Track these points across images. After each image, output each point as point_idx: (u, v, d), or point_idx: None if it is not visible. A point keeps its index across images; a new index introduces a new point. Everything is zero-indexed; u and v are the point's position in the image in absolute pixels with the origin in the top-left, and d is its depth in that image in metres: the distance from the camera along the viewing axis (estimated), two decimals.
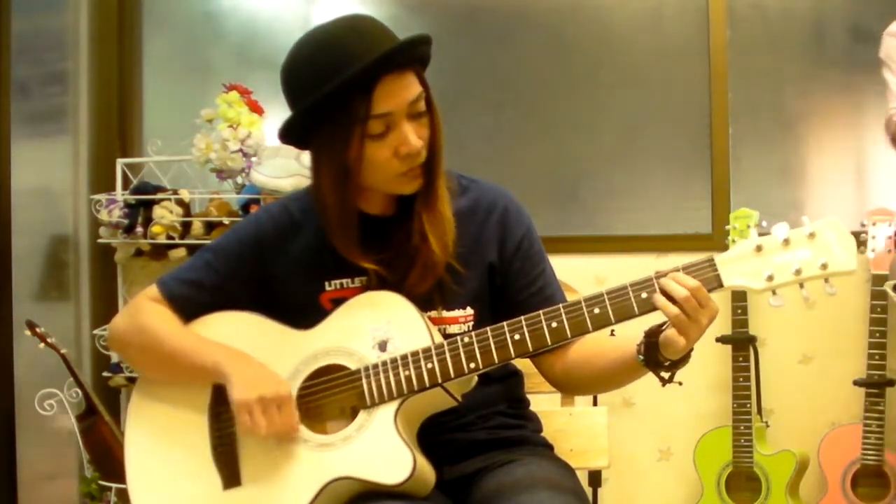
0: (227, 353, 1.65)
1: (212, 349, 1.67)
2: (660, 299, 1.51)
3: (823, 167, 3.48)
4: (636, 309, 1.54)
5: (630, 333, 1.61)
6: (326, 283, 1.71)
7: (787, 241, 1.50)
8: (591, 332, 1.56)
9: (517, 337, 1.57)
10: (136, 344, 1.73)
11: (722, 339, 3.15)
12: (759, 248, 1.51)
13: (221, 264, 1.75)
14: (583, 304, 1.56)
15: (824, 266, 1.48)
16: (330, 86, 1.55)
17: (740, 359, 3.14)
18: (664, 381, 1.58)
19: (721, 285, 1.52)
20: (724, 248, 3.02)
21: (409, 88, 1.60)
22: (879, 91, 3.42)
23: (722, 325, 3.17)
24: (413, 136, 1.60)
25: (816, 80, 3.46)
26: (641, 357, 1.57)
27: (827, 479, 3.11)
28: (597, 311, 1.55)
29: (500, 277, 1.73)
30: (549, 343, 1.57)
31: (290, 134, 1.65)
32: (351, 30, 1.60)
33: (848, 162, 3.48)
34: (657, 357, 1.56)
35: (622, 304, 1.54)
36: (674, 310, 1.50)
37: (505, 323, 1.59)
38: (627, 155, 3.53)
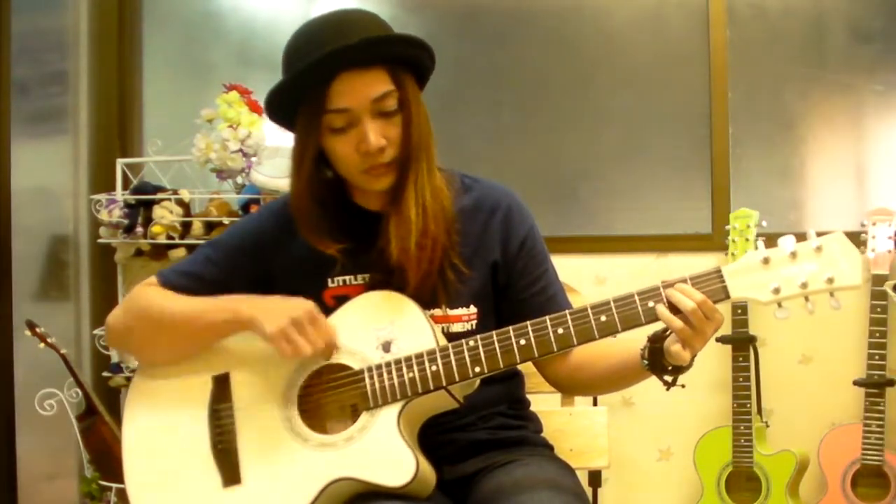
0: (241, 299, 1.65)
1: (224, 302, 1.66)
2: (664, 313, 1.51)
3: (823, 167, 3.48)
4: (643, 317, 1.54)
5: (633, 336, 1.62)
6: (329, 280, 1.71)
7: (794, 254, 1.51)
8: (597, 339, 1.56)
9: (523, 342, 1.57)
10: (144, 325, 1.71)
11: (722, 339, 3.14)
12: (766, 261, 1.51)
13: (222, 259, 1.75)
14: (589, 311, 1.56)
15: (830, 280, 1.49)
16: (291, 72, 1.58)
17: (740, 359, 3.14)
18: (668, 385, 1.59)
19: (728, 297, 1.53)
20: (724, 248, 3.06)
21: (372, 86, 1.59)
22: (879, 91, 3.43)
23: (722, 324, 3.17)
24: (373, 135, 1.59)
25: (816, 81, 3.46)
26: (646, 362, 1.58)
27: (827, 479, 3.11)
28: (603, 318, 1.55)
29: (503, 276, 1.73)
30: (555, 349, 1.57)
31: (269, 108, 1.67)
32: (335, 21, 1.61)
33: (848, 162, 3.48)
34: (661, 362, 1.57)
35: (629, 313, 1.54)
36: (679, 323, 1.50)
37: (511, 328, 1.58)
38: (627, 155, 3.53)
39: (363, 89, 1.58)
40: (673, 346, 1.52)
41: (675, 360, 1.54)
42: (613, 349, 1.67)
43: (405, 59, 1.63)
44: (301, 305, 1.60)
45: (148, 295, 1.73)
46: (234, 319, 1.63)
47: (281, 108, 1.65)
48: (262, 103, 3.04)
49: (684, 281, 1.53)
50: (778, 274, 1.51)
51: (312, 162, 1.65)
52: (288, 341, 1.57)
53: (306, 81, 1.57)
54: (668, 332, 1.55)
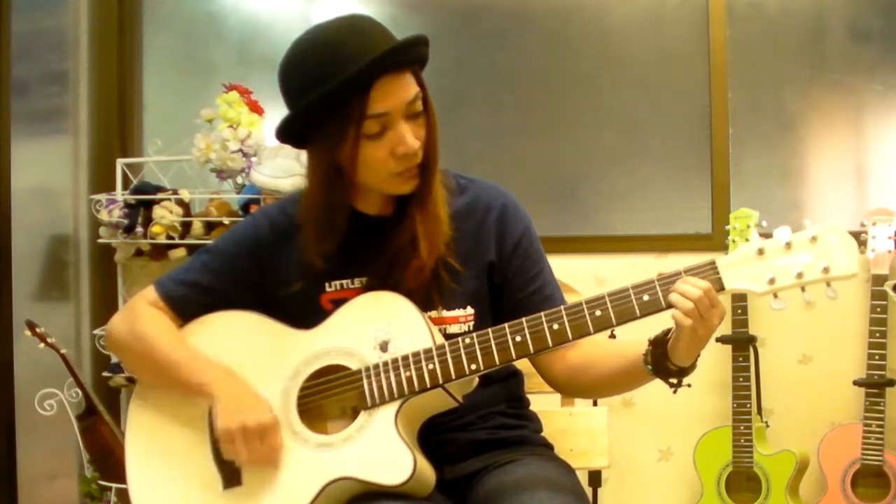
0: (215, 375, 1.65)
1: (201, 367, 1.66)
2: (675, 295, 1.51)
3: (823, 167, 3.48)
4: (638, 311, 1.54)
5: (632, 337, 1.62)
6: (327, 284, 1.71)
7: (788, 245, 1.50)
8: (592, 334, 1.56)
9: (518, 338, 1.57)
10: (133, 351, 1.74)
11: (722, 339, 3.15)
12: (760, 252, 1.51)
13: (218, 265, 1.75)
14: (584, 306, 1.56)
15: (826, 270, 1.48)
16: (328, 85, 1.55)
17: (740, 359, 3.14)
18: (675, 387, 1.59)
19: (722, 288, 1.52)
20: (725, 248, 3.06)
21: (406, 88, 1.60)
22: (879, 91, 3.43)
23: (722, 324, 3.17)
24: (410, 137, 1.60)
25: (816, 80, 3.46)
26: (649, 367, 1.58)
27: (827, 479, 3.11)
28: (598, 313, 1.55)
29: (499, 275, 1.73)
30: (551, 345, 1.57)
31: (288, 133, 1.65)
32: (349, 29, 1.60)
33: (848, 162, 3.48)
34: (666, 365, 1.57)
35: (624, 307, 1.54)
36: (688, 304, 1.50)
37: (506, 324, 1.59)
38: (627, 155, 3.53)
39: (400, 92, 1.59)
40: (681, 345, 1.52)
41: (680, 353, 1.54)
42: (614, 352, 1.67)
43: (422, 60, 1.64)
44: (259, 416, 1.60)
45: (146, 320, 1.73)
46: (200, 391, 1.65)
47: (304, 127, 1.63)
48: (262, 104, 3.10)
49: (679, 273, 1.53)
50: (773, 265, 1.50)
51: (334, 173, 1.64)
52: (230, 444, 1.59)
53: (346, 91, 1.56)
54: (669, 335, 1.56)
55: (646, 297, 1.53)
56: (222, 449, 1.61)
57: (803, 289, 1.50)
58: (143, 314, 1.73)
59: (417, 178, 1.66)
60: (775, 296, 1.51)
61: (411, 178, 1.65)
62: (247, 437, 1.58)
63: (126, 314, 1.77)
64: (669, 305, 1.52)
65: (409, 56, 1.60)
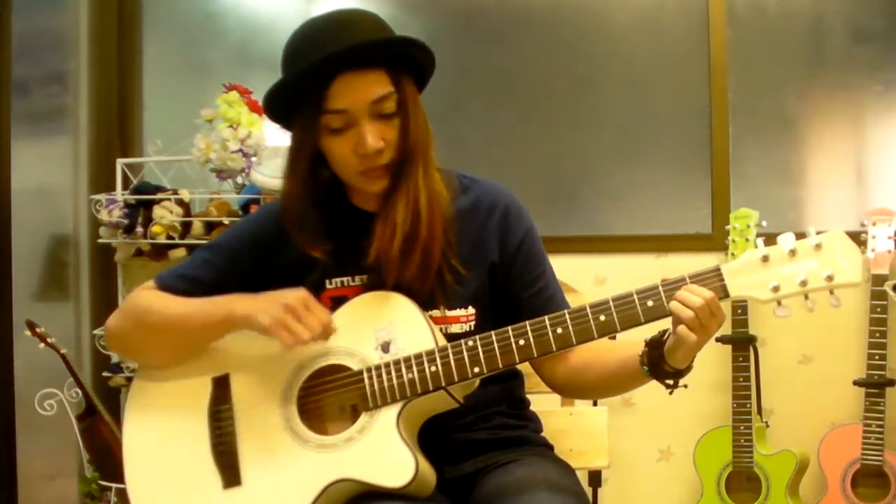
0: (235, 298, 1.64)
1: (219, 301, 1.66)
2: (675, 303, 1.51)
3: (823, 167, 3.48)
4: (642, 317, 1.54)
5: (631, 340, 1.62)
6: (327, 282, 1.71)
7: (793, 252, 1.50)
8: (595, 339, 1.56)
9: (522, 342, 1.57)
10: (140, 328, 1.71)
11: (722, 339, 3.14)
12: (765, 259, 1.51)
13: (219, 261, 1.75)
14: (588, 310, 1.55)
15: (830, 278, 1.48)
16: (295, 73, 1.57)
17: (740, 359, 3.14)
18: (671, 388, 1.59)
19: (727, 295, 1.52)
20: (725, 248, 3.05)
21: (371, 87, 1.59)
22: (879, 91, 3.43)
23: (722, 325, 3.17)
24: (370, 137, 1.59)
25: (816, 80, 3.46)
26: (646, 368, 1.58)
27: (827, 479, 3.11)
28: (602, 318, 1.55)
29: (501, 277, 1.73)
30: (554, 349, 1.57)
31: (270, 108, 1.66)
32: (335, 22, 1.61)
33: (848, 162, 3.47)
34: (662, 367, 1.57)
35: (628, 312, 1.54)
36: (688, 313, 1.50)
37: (510, 328, 1.58)
38: (627, 155, 3.53)
39: (362, 91, 1.58)
40: (674, 338, 1.52)
41: (677, 356, 1.54)
42: (613, 354, 1.67)
43: (405, 60, 1.63)
44: (293, 293, 1.59)
45: (145, 297, 1.73)
46: (229, 318, 1.63)
47: (279, 107, 1.66)
48: (262, 102, 3.09)
49: (683, 280, 1.53)
50: (777, 272, 1.50)
51: (308, 162, 1.65)
52: (287, 330, 1.56)
53: (306, 82, 1.58)
54: (665, 337, 1.56)
55: (650, 303, 1.53)
56: (281, 341, 1.56)
57: (807, 296, 1.50)
58: (142, 296, 1.74)
59: (387, 178, 1.65)
60: (779, 303, 1.51)
61: (378, 178, 1.65)
62: (294, 314, 1.56)
63: (122, 307, 1.77)
64: (671, 313, 1.52)
65: (374, 54, 1.59)
